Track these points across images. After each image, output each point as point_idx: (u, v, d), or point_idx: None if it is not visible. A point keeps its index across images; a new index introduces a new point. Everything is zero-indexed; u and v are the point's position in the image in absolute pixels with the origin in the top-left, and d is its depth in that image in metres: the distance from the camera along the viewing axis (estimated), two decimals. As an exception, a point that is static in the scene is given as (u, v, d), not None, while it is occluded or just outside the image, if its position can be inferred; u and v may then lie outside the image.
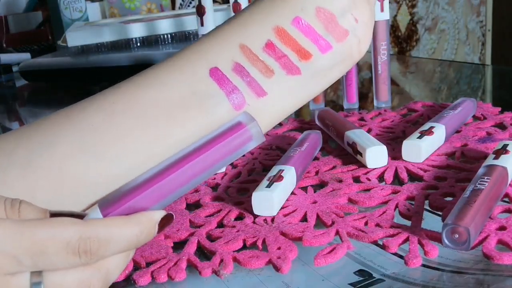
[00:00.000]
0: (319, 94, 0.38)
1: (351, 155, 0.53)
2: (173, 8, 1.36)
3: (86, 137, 0.33)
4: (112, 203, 0.31)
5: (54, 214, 0.29)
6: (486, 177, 0.40)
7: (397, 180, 0.49)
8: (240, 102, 0.34)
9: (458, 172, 0.48)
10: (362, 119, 0.65)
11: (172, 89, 0.34)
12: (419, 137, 0.51)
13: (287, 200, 0.45)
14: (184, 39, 1.01)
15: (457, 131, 0.57)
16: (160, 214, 0.31)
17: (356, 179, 0.49)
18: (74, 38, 0.98)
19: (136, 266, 0.39)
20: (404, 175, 0.49)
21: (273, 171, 0.46)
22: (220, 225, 0.43)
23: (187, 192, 0.33)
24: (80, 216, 0.30)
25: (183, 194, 0.33)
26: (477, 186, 0.39)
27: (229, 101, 0.34)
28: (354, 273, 0.36)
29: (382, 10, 0.66)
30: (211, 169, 0.33)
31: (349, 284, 0.35)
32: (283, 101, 0.35)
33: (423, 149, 0.50)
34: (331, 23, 0.36)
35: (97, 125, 0.33)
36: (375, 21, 0.67)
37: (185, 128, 0.34)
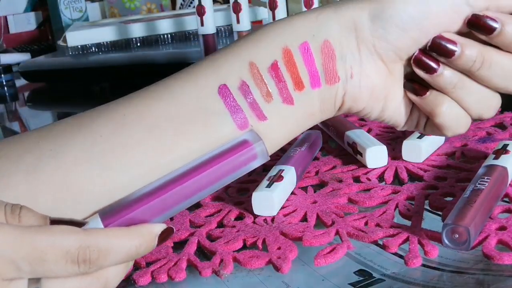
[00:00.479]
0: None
1: (351, 155, 0.53)
2: (173, 8, 1.36)
3: (94, 146, 0.33)
4: (114, 214, 0.31)
5: (54, 221, 0.29)
6: (486, 177, 0.40)
7: (397, 180, 0.49)
8: (244, 122, 0.34)
9: (458, 172, 0.48)
10: (362, 119, 0.65)
11: (182, 103, 0.35)
12: (419, 137, 0.51)
13: (287, 200, 0.45)
14: (184, 39, 1.01)
15: (457, 131, 0.57)
16: (160, 227, 0.31)
17: (356, 179, 0.49)
18: (74, 38, 0.98)
19: (136, 266, 0.39)
20: (404, 175, 0.49)
21: (273, 171, 0.46)
22: (220, 225, 0.43)
23: (189, 206, 0.33)
24: (80, 224, 0.30)
25: (184, 208, 0.33)
26: (477, 186, 0.39)
27: (233, 120, 0.34)
28: (354, 273, 0.36)
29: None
30: (214, 185, 0.33)
31: (349, 284, 0.35)
32: (279, 130, 0.36)
33: (423, 149, 0.50)
34: (330, 61, 0.35)
35: (106, 135, 0.34)
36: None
37: (191, 142, 0.34)
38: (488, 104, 0.36)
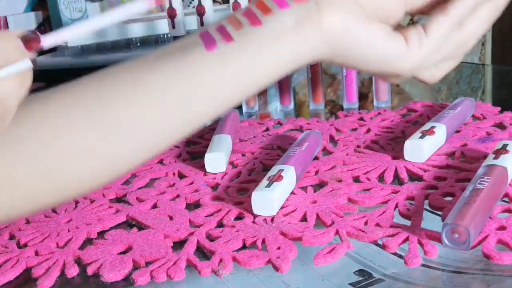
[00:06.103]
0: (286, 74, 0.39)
1: (351, 155, 0.53)
2: (173, 8, 1.35)
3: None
4: None
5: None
6: (486, 177, 0.40)
7: (397, 180, 0.49)
8: (211, 43, 0.36)
9: (458, 172, 0.48)
10: (362, 119, 0.65)
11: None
12: (421, 137, 0.51)
13: (287, 200, 0.45)
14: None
15: (457, 131, 0.57)
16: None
17: (356, 179, 0.49)
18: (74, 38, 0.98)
19: (136, 266, 0.39)
20: (404, 175, 0.48)
21: (273, 170, 0.46)
22: (220, 225, 0.43)
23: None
24: None
25: None
26: (477, 186, 0.39)
27: (203, 43, 0.36)
28: (354, 273, 0.36)
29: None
30: None
31: (349, 284, 0.35)
32: (247, 52, 0.36)
33: (425, 149, 0.50)
34: None
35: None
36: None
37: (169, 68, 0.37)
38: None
